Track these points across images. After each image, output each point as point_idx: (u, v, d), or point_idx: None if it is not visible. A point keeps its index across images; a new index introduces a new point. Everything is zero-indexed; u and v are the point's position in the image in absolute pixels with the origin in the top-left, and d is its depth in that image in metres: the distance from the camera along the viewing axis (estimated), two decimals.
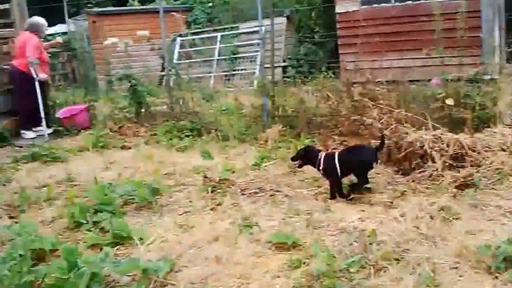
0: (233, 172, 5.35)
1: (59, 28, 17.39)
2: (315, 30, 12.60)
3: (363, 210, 4.15)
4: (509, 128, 5.31)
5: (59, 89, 12.04)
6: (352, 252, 3.30)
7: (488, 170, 4.57)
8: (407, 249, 3.31)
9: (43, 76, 7.59)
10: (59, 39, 9.43)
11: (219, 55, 12.97)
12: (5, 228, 3.53)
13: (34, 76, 7.50)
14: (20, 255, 3.13)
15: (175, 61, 12.03)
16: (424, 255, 3.18)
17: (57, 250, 3.47)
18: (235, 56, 12.99)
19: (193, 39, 13.81)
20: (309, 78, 10.38)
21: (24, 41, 7.63)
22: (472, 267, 3.02)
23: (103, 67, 9.41)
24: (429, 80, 7.52)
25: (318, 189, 4.74)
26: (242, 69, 12.74)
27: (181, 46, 13.43)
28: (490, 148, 4.84)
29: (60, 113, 8.11)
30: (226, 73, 12.77)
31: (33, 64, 7.50)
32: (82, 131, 7.85)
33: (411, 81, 7.05)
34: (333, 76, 7.91)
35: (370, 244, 3.37)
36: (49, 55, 13.25)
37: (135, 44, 8.59)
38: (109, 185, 4.65)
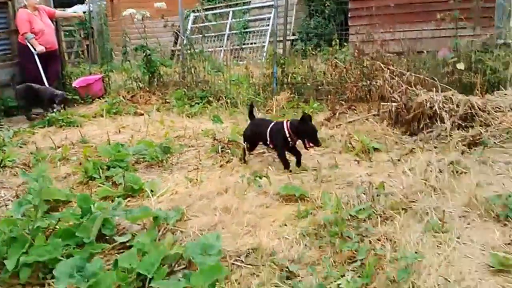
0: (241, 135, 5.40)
1: (77, 8, 17.54)
2: (326, 4, 12.55)
3: (371, 167, 4.18)
4: None
5: (75, 66, 12.26)
6: (360, 203, 3.33)
7: (497, 129, 4.57)
8: (415, 200, 3.33)
9: (40, 48, 7.65)
10: (81, 14, 9.52)
11: (230, 30, 13.00)
12: (23, 174, 3.60)
13: (32, 50, 7.62)
14: (34, 205, 3.20)
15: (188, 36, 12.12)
16: (432, 205, 3.20)
17: (70, 202, 3.56)
18: (246, 30, 13.04)
19: (206, 15, 13.90)
20: (319, 50, 10.41)
21: (17, 17, 7.78)
22: (480, 216, 3.03)
23: (120, 39, 9.52)
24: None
25: (325, 149, 4.79)
26: (252, 43, 12.77)
27: (194, 22, 13.54)
28: (500, 108, 4.83)
29: (76, 83, 8.23)
30: (237, 47, 12.82)
31: (28, 38, 7.63)
32: (97, 99, 7.99)
33: (421, 52, 7.01)
34: (342, 47, 7.93)
35: (378, 195, 3.40)
36: (66, 32, 13.48)
37: (150, 20, 8.64)
38: (121, 145, 4.72)
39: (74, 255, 2.54)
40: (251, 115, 4.70)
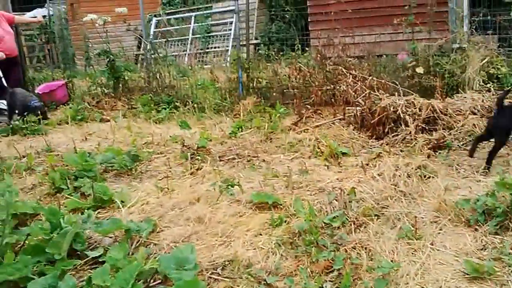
0: (210, 140, 5.35)
1: (37, 12, 16.95)
2: (286, 9, 12.65)
3: (340, 172, 4.22)
4: (478, 93, 5.47)
5: (37, 70, 11.91)
6: (333, 210, 3.35)
7: (459, 132, 4.72)
8: (387, 206, 3.38)
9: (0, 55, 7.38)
10: (40, 18, 9.28)
11: (193, 34, 12.95)
12: None
13: None
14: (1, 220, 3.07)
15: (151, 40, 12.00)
16: (403, 210, 3.26)
17: (38, 215, 3.43)
18: (209, 34, 13.01)
19: (168, 19, 13.77)
20: (281, 54, 10.49)
21: None
22: (451, 220, 3.10)
23: (81, 43, 9.33)
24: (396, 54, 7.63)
25: (295, 154, 4.80)
26: (215, 47, 12.78)
27: (156, 26, 13.40)
28: (461, 112, 4.98)
29: (39, 89, 8.04)
30: (200, 51, 12.79)
31: None
32: (61, 106, 7.83)
33: (381, 56, 7.17)
34: (305, 52, 8.03)
35: (350, 202, 3.42)
36: (27, 37, 13.05)
37: (112, 24, 8.49)
38: (88, 154, 4.61)
39: (46, 272, 2.45)
40: (501, 103, 4.05)
